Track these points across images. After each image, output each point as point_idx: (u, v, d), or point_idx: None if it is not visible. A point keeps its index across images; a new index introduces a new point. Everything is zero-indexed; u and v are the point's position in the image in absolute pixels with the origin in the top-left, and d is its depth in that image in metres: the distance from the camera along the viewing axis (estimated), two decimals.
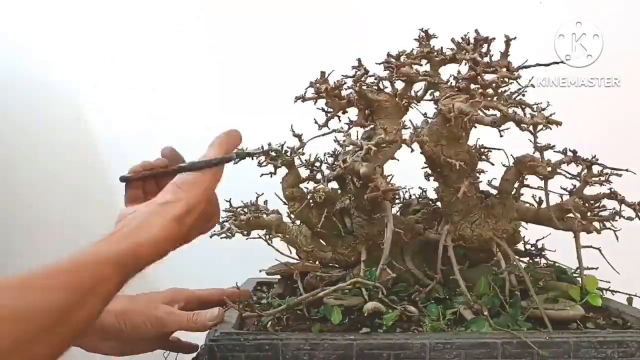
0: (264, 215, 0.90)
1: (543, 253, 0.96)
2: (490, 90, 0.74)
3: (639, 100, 1.56)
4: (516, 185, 0.87)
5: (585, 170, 0.85)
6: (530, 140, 0.75)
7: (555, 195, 0.87)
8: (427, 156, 0.84)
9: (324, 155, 0.94)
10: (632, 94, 1.56)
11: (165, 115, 1.67)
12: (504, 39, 0.76)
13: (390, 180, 0.85)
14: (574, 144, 1.50)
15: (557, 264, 0.95)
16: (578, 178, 0.86)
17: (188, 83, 1.68)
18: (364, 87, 0.83)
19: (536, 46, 1.50)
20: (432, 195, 0.98)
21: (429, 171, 0.91)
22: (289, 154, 0.86)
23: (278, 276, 0.97)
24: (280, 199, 0.92)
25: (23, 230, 1.68)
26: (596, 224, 0.86)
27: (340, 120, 0.90)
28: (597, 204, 0.85)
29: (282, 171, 0.90)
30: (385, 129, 0.78)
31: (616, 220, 0.85)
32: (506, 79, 0.74)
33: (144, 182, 0.69)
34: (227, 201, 0.91)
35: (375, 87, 0.84)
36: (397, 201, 0.98)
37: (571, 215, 0.85)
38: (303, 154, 0.88)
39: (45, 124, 1.70)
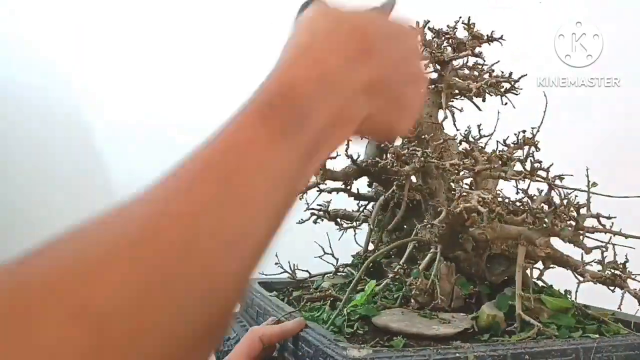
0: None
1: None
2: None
3: (639, 100, 1.56)
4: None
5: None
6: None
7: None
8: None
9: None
10: (632, 94, 1.56)
11: (165, 115, 1.67)
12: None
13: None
14: (574, 143, 1.50)
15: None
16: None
17: (188, 84, 1.68)
18: None
19: (536, 46, 1.50)
20: None
21: None
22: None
23: None
24: None
25: (22, 230, 1.68)
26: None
27: None
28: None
29: None
30: None
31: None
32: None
33: None
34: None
35: None
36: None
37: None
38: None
39: (45, 125, 1.70)
